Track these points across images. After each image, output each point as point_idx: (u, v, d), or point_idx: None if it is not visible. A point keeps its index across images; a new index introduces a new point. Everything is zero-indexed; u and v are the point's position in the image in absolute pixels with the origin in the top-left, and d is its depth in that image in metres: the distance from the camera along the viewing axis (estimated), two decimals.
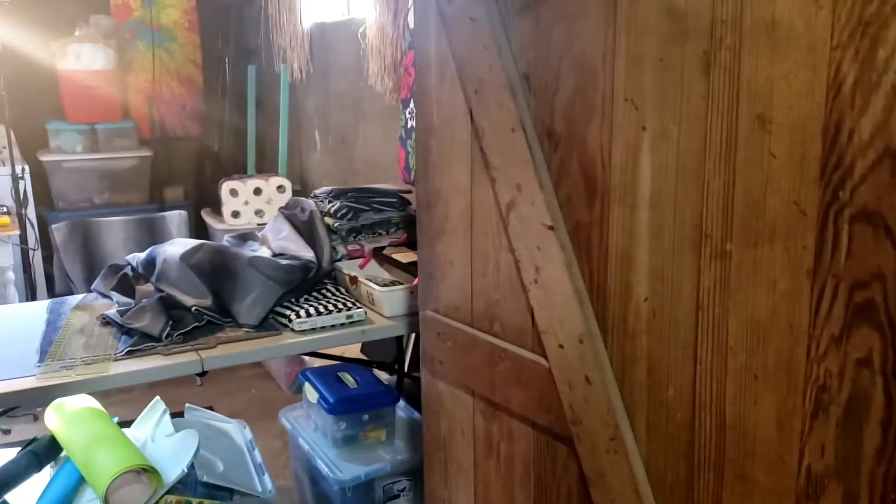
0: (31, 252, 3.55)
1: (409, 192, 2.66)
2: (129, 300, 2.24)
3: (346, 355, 2.92)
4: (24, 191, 3.55)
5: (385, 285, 2.37)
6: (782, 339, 0.99)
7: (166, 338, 2.04)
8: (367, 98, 3.38)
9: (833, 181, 0.91)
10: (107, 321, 2.17)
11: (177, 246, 2.31)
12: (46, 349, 2.00)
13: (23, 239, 3.51)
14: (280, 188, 3.95)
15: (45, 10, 4.41)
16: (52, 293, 4.21)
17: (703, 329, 1.07)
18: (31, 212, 4.00)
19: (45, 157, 4.35)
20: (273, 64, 4.34)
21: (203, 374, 2.03)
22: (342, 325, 2.18)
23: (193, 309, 2.14)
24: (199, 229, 4.56)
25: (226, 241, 2.59)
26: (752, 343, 1.03)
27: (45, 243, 3.69)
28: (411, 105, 2.91)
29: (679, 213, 1.08)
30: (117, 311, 2.16)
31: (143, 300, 2.18)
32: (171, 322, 2.08)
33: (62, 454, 2.25)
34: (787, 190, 0.96)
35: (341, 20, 3.66)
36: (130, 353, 1.98)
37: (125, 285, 2.33)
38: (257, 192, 3.90)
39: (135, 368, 1.92)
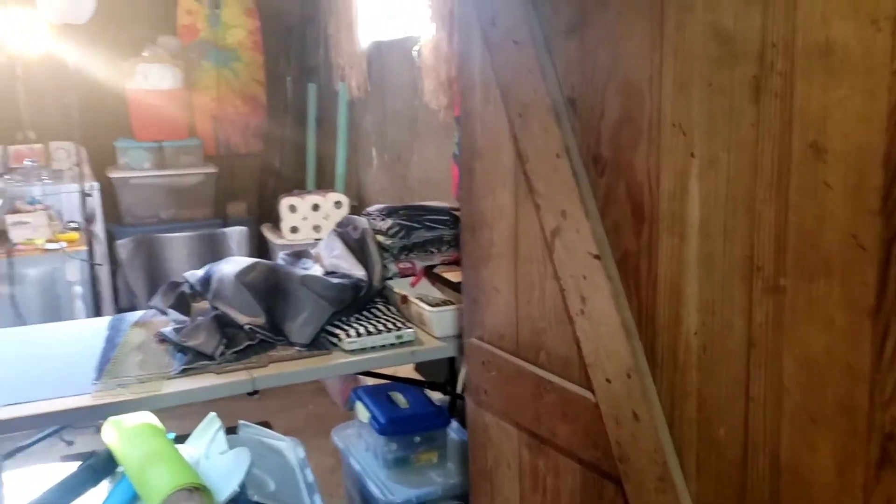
0: (97, 267, 3.64)
1: None
2: (185, 318, 2.28)
3: (399, 373, 2.91)
4: (92, 208, 3.66)
5: (436, 305, 2.35)
6: (841, 381, 0.93)
7: (220, 356, 2.06)
8: (422, 116, 3.38)
9: None
10: (163, 339, 2.21)
11: (232, 264, 2.33)
12: (104, 366, 2.04)
13: (90, 254, 3.61)
14: (337, 204, 3.98)
15: (115, 31, 4.55)
16: (117, 307, 4.33)
17: (756, 366, 1.02)
18: (99, 227, 4.12)
19: (113, 174, 4.48)
20: (332, 82, 4.39)
21: (254, 393, 2.05)
22: (392, 345, 2.17)
23: (247, 327, 2.16)
24: (259, 245, 4.63)
25: (280, 258, 2.61)
26: (808, 383, 0.97)
27: (112, 258, 3.81)
28: None
29: (729, 243, 1.03)
30: (173, 328, 2.19)
31: (199, 318, 2.22)
32: (224, 340, 2.10)
33: (119, 469, 2.29)
34: (844, 222, 0.90)
35: (397, 39, 3.68)
36: (184, 372, 2.00)
37: (182, 303, 2.37)
38: (315, 208, 3.94)
39: (187, 387, 1.94)
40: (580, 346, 1.23)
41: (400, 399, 2.60)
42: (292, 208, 3.91)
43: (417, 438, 2.49)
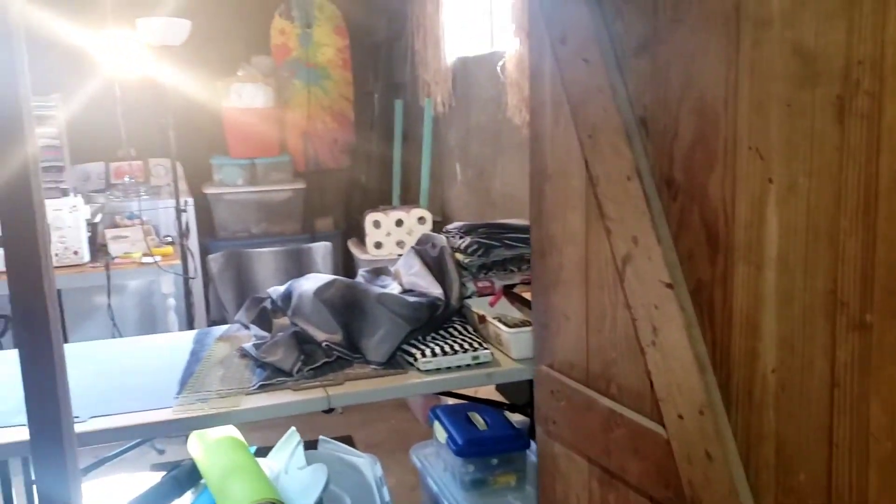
0: (190, 280, 3.77)
1: None
2: (266, 333, 2.32)
3: (480, 394, 2.87)
4: (186, 222, 3.78)
5: (514, 326, 2.30)
6: None
7: (297, 373, 2.08)
8: (506, 131, 3.35)
9: None
10: (244, 354, 2.25)
11: (311, 281, 2.36)
12: (186, 380, 2.09)
13: (184, 268, 3.73)
14: (421, 220, 3.99)
15: (212, 52, 4.72)
16: (209, 320, 4.47)
17: (840, 409, 0.94)
18: (193, 241, 4.27)
19: (209, 190, 4.63)
20: (418, 98, 4.42)
21: (330, 410, 2.05)
22: (468, 365, 2.14)
23: (324, 344, 2.17)
24: (345, 260, 4.70)
25: (360, 275, 2.62)
26: None
27: (205, 271, 3.93)
28: None
29: (811, 276, 0.96)
30: (253, 344, 2.23)
31: (278, 334, 2.25)
32: (302, 357, 2.12)
33: (202, 481, 2.34)
34: None
35: (483, 54, 3.66)
36: (262, 388, 2.03)
37: (263, 318, 2.41)
38: (399, 223, 3.96)
39: (264, 404, 1.97)
40: (652, 380, 1.17)
41: (479, 420, 2.56)
42: (376, 224, 3.95)
43: (495, 461, 2.44)
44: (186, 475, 2.34)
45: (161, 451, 3.47)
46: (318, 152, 5.05)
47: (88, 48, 4.01)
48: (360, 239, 4.17)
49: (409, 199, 4.71)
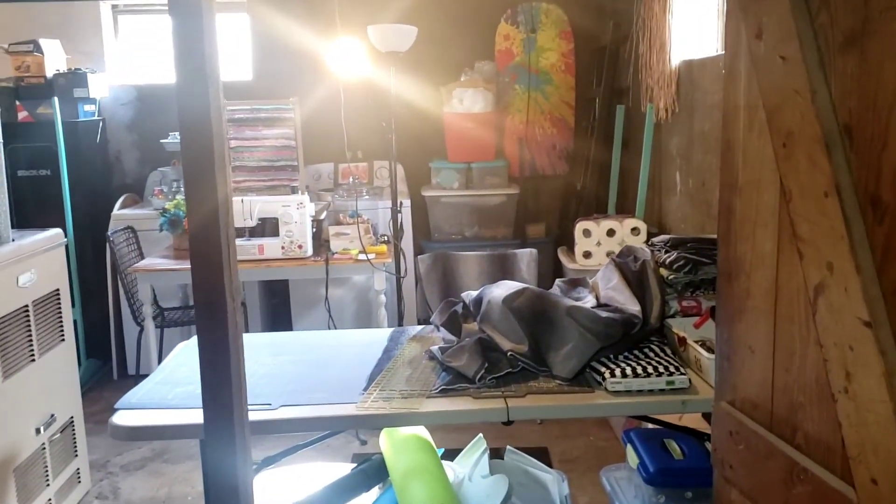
0: (401, 279, 3.89)
1: None
2: (454, 338, 2.32)
3: (684, 420, 2.68)
4: (401, 223, 3.91)
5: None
6: None
7: (479, 380, 2.05)
8: None
9: None
10: (432, 356, 2.26)
11: (502, 288, 2.32)
12: (374, 377, 2.14)
13: (396, 267, 3.87)
14: (634, 230, 3.82)
15: (436, 57, 4.87)
16: (418, 317, 4.60)
17: None
18: (408, 241, 4.42)
19: (426, 193, 4.77)
20: (640, 104, 4.24)
21: (509, 423, 2.00)
22: (661, 390, 2.00)
23: (509, 354, 2.13)
24: (554, 268, 4.62)
25: (556, 285, 2.55)
26: None
27: (416, 271, 4.05)
28: None
29: None
30: (440, 347, 2.24)
31: (465, 339, 2.24)
32: (486, 365, 2.09)
33: (389, 478, 2.39)
34: None
35: (709, 57, 3.43)
36: (444, 392, 2.03)
37: (453, 322, 2.41)
38: (610, 233, 3.82)
39: (444, 409, 1.96)
40: (842, 433, 0.99)
41: (675, 448, 2.39)
42: (586, 232, 3.83)
43: (689, 494, 2.26)
44: (375, 470, 2.40)
45: (363, 442, 3.61)
46: (535, 157, 5.02)
47: (321, 54, 4.28)
48: (570, 247, 4.08)
49: (625, 209, 4.54)
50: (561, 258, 4.16)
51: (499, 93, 4.89)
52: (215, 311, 1.26)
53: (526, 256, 3.49)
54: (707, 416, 2.92)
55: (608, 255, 3.84)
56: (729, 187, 1.20)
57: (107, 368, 4.70)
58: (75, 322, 4.52)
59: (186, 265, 3.85)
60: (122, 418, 1.92)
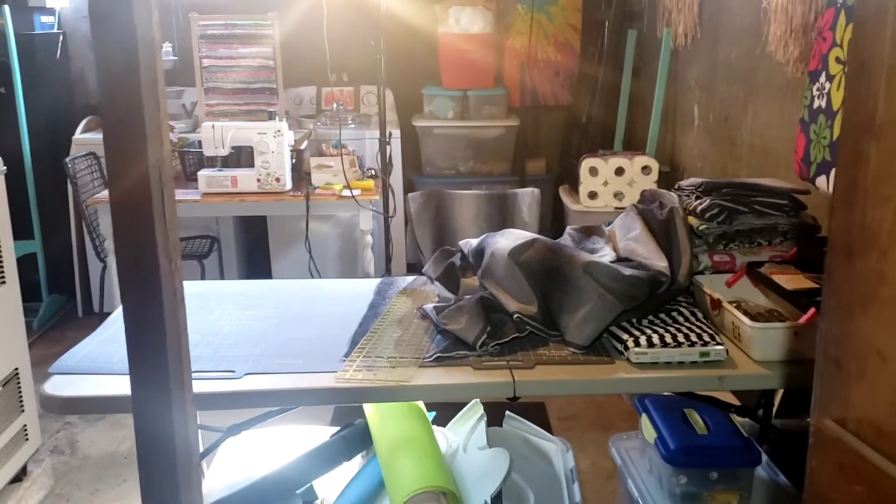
0: (389, 219, 3.55)
1: (806, 192, 2.04)
2: (451, 295, 1.99)
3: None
4: (390, 155, 3.55)
5: (757, 316, 1.81)
6: None
7: (480, 347, 1.74)
8: (763, 69, 2.75)
9: None
10: (424, 315, 1.95)
11: (508, 238, 1.99)
12: (358, 340, 1.83)
13: (384, 205, 3.52)
14: (645, 169, 3.48)
15: None
16: (407, 261, 4.27)
17: None
18: (397, 176, 4.06)
19: (418, 122, 4.39)
20: (655, 28, 3.85)
21: (514, 399, 1.70)
22: (693, 363, 1.70)
23: (515, 316, 1.81)
24: (555, 208, 4.29)
25: (567, 233, 2.22)
26: None
27: (405, 210, 3.70)
28: (821, 79, 2.24)
29: None
30: (435, 305, 1.92)
31: (465, 297, 1.91)
32: (489, 329, 1.78)
33: (373, 445, 2.11)
34: None
35: None
36: (438, 361, 1.72)
37: (450, 276, 2.09)
38: (619, 172, 3.48)
39: (438, 382, 1.65)
40: None
41: (697, 421, 2.11)
42: (593, 171, 3.49)
43: (714, 475, 2.00)
44: (358, 437, 2.12)
45: None
46: (537, 86, 4.62)
47: None
48: (574, 186, 3.74)
49: (633, 145, 4.18)
50: (563, 198, 3.83)
51: (499, 12, 4.46)
52: (145, 275, 0.93)
53: (527, 197, 3.15)
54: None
55: (616, 196, 3.51)
56: (856, 128, 0.86)
57: (71, 305, 4.38)
58: (35, 255, 4.17)
59: None
60: (55, 386, 1.60)
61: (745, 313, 1.77)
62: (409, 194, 3.10)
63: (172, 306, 0.96)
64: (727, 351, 1.69)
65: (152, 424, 1.00)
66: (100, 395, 1.57)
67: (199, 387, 1.59)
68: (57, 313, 4.31)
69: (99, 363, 1.70)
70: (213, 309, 2.03)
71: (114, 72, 0.85)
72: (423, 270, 2.26)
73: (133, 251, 0.91)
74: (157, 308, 0.93)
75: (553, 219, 4.35)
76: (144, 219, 0.88)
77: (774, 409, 2.29)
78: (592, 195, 3.51)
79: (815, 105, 2.25)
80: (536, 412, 3.25)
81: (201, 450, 2.03)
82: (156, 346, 0.95)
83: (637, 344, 1.69)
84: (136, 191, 0.88)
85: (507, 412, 2.35)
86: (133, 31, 0.83)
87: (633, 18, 4.30)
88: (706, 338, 1.70)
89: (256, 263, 4.54)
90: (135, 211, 0.88)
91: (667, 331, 1.74)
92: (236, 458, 2.22)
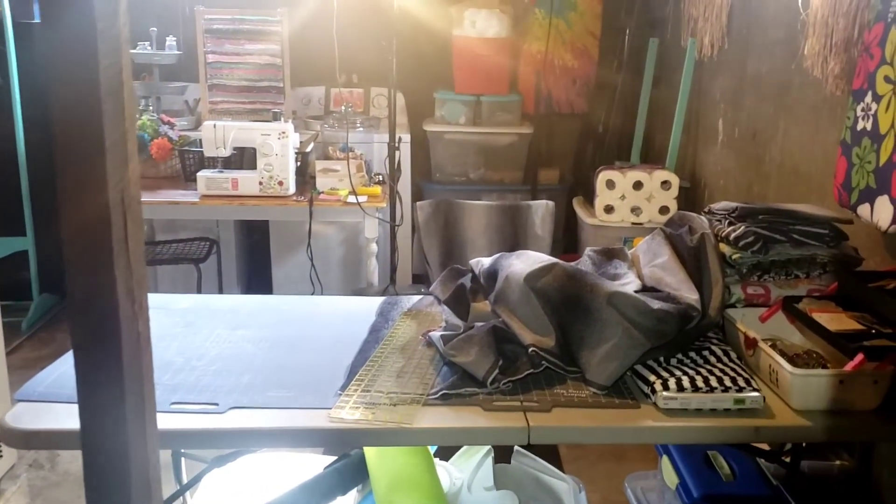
0: (395, 228, 3.39)
1: (849, 221, 1.87)
2: (460, 322, 1.82)
3: None
4: (399, 161, 3.39)
5: (796, 358, 1.64)
6: None
7: (491, 384, 1.57)
8: (797, 84, 2.58)
9: None
10: (430, 343, 1.78)
11: (524, 261, 1.82)
12: (357, 369, 1.67)
13: (391, 212, 3.36)
14: (665, 184, 3.31)
15: None
16: (413, 272, 4.10)
17: None
18: (405, 183, 3.89)
19: (429, 127, 4.23)
20: (679, 38, 3.68)
21: (527, 446, 1.53)
22: (726, 410, 1.53)
23: (531, 350, 1.64)
24: (567, 220, 4.12)
25: (586, 255, 2.05)
26: None
27: (413, 218, 3.53)
28: (867, 99, 2.07)
29: None
30: (442, 333, 1.75)
31: (475, 325, 1.74)
32: (500, 363, 1.61)
33: (370, 479, 1.95)
34: None
35: None
36: (444, 398, 1.55)
37: (460, 298, 1.92)
38: (637, 186, 3.31)
39: (444, 424, 1.49)
40: None
41: (722, 465, 1.95)
42: (610, 184, 3.32)
43: None
44: (353, 470, 1.96)
45: None
46: (553, 93, 4.45)
47: None
48: (588, 199, 3.57)
49: (651, 158, 4.01)
50: (577, 210, 3.65)
51: (516, 16, 4.29)
52: (99, 321, 0.77)
53: (541, 209, 2.99)
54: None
55: (633, 211, 3.34)
56: None
57: (62, 305, 4.22)
58: (26, 252, 4.01)
59: (150, 196, 3.34)
60: (17, 417, 1.44)
61: (782, 353, 1.61)
62: (418, 203, 2.94)
63: (134, 354, 0.79)
64: (764, 398, 1.52)
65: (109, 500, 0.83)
66: (64, 430, 1.41)
67: (178, 422, 1.44)
68: (47, 313, 4.16)
69: (68, 389, 1.54)
70: (201, 328, 1.86)
71: (65, 73, 0.68)
72: (430, 290, 2.10)
73: (85, 291, 0.74)
74: (115, 360, 0.76)
75: (565, 231, 4.19)
76: (101, 254, 0.72)
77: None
78: (609, 209, 3.35)
79: (859, 127, 2.08)
80: (545, 446, 3.08)
81: (185, 481, 1.88)
82: (112, 406, 0.78)
83: (666, 387, 1.53)
84: (92, 221, 0.72)
85: (517, 447, 2.18)
86: (92, 23, 0.66)
87: (656, 27, 4.13)
88: (741, 382, 1.54)
89: (257, 269, 4.38)
90: (90, 246, 0.72)
91: (698, 373, 1.57)
92: (221, 490, 2.06)
